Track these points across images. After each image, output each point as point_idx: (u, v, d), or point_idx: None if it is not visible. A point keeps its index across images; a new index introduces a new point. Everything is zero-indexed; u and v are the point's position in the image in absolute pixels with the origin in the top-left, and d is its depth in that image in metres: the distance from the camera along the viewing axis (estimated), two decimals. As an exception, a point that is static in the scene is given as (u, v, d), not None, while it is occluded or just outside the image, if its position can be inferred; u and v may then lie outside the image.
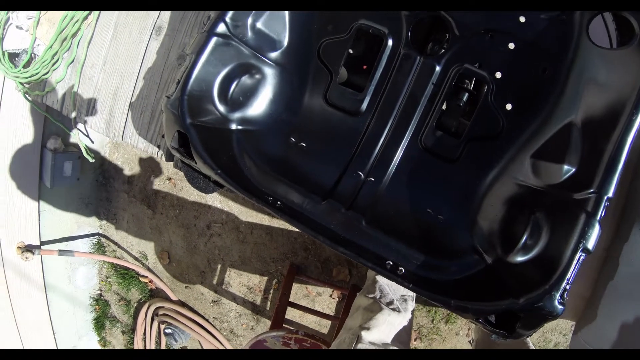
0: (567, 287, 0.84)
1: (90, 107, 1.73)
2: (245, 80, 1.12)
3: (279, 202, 1.00)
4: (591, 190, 0.88)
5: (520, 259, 0.92)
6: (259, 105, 1.14)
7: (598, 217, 0.87)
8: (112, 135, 1.70)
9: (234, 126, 1.10)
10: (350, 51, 1.15)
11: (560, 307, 0.84)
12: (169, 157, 1.60)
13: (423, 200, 1.08)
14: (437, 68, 1.08)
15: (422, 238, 1.03)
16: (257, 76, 1.12)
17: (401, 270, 0.95)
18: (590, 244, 0.85)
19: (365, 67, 1.22)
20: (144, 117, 1.61)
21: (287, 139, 1.14)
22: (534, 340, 2.30)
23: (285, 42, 1.13)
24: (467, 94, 1.12)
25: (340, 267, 2.45)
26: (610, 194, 0.88)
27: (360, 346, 1.41)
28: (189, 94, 1.03)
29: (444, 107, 1.10)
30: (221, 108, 1.09)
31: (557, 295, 0.84)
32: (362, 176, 1.09)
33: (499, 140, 1.07)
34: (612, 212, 1.24)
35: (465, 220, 1.05)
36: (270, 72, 1.13)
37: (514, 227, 0.97)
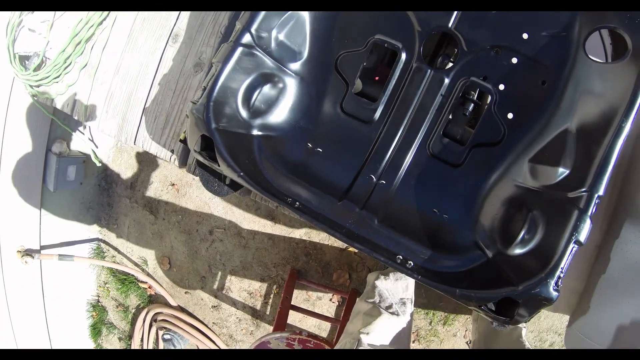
0: (562, 275, 0.94)
1: (102, 111, 1.78)
2: (267, 89, 1.19)
3: (297, 203, 1.07)
4: (583, 189, 0.98)
5: (518, 251, 1.01)
6: (279, 113, 1.22)
7: (589, 213, 0.96)
8: (124, 139, 1.75)
9: (255, 132, 1.18)
10: (364, 64, 1.23)
11: (555, 293, 0.93)
12: (183, 163, 1.67)
13: (430, 202, 1.17)
14: (446, 80, 1.17)
15: (429, 235, 1.12)
16: (279, 85, 1.20)
17: (410, 264, 1.04)
18: (582, 236, 0.95)
19: (377, 78, 1.30)
20: (158, 123, 1.67)
21: (305, 145, 1.21)
22: (530, 340, 2.38)
23: (305, 54, 1.21)
24: (472, 105, 1.20)
25: (340, 272, 2.52)
26: (600, 192, 0.97)
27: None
28: (215, 100, 1.10)
29: (450, 116, 1.19)
30: (244, 114, 1.16)
31: (552, 283, 0.93)
32: (375, 179, 1.17)
33: (500, 147, 1.16)
34: (604, 212, 1.33)
35: (469, 219, 1.14)
36: (290, 82, 1.21)
37: (512, 224, 1.06)
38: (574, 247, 0.94)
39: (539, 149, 1.11)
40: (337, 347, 1.57)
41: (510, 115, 1.16)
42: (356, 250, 2.48)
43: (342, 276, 2.52)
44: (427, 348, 2.55)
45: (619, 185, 1.33)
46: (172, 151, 1.65)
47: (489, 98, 1.17)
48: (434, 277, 1.02)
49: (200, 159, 1.16)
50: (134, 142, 1.73)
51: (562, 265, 0.93)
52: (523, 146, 1.14)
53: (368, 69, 1.28)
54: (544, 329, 2.40)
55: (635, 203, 1.26)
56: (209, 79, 1.13)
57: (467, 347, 2.53)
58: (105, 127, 1.79)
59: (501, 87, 1.16)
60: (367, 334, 1.54)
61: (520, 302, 0.95)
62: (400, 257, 1.04)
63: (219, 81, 1.10)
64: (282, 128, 1.21)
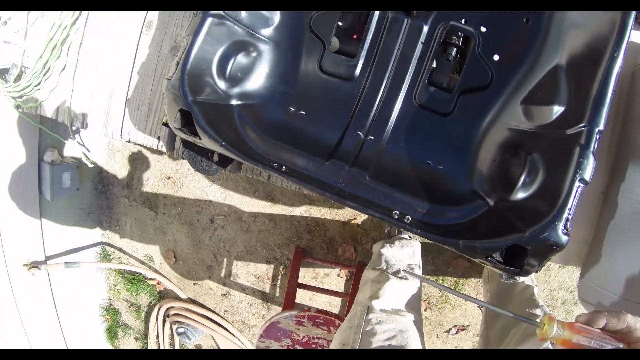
0: (569, 217, 0.88)
1: (86, 110, 1.75)
2: (242, 57, 1.15)
3: (284, 167, 1.04)
4: (582, 125, 0.93)
5: (521, 195, 0.96)
6: (257, 80, 1.18)
7: (591, 149, 0.91)
8: (110, 134, 1.72)
9: (234, 102, 1.14)
10: (340, 24, 1.18)
11: (565, 237, 0.88)
12: (170, 148, 1.64)
13: (422, 153, 1.13)
14: (425, 27, 1.13)
15: (425, 188, 1.08)
16: (253, 53, 1.16)
17: (408, 218, 0.99)
18: (587, 174, 0.90)
19: (355, 36, 1.26)
20: (141, 112, 1.64)
21: (287, 109, 1.17)
22: (542, 299, 2.35)
23: (277, 18, 1.16)
24: (455, 49, 1.16)
25: (345, 246, 2.49)
26: (600, 127, 0.93)
27: (371, 316, 1.44)
28: (189, 73, 1.06)
29: (434, 65, 1.15)
30: (221, 85, 1.13)
31: (561, 225, 0.88)
32: (362, 135, 1.13)
33: (489, 90, 1.12)
34: (606, 157, 1.29)
35: (465, 169, 1.10)
36: (264, 48, 1.17)
37: (512, 169, 1.02)
38: (579, 185, 0.89)
39: (531, 89, 1.07)
40: (347, 317, 1.55)
41: (496, 57, 1.12)
42: (359, 222, 2.45)
43: (348, 250, 2.49)
44: (439, 316, 2.53)
45: (618, 129, 1.29)
46: (159, 138, 1.62)
47: (472, 41, 1.13)
48: (435, 230, 0.98)
49: (182, 135, 1.13)
50: (120, 135, 1.70)
51: (568, 205, 0.88)
52: (513, 87, 1.10)
53: (345, 29, 1.24)
54: (555, 287, 2.37)
55: (638, 142, 1.22)
56: (181, 53, 1.10)
57: (479, 312, 2.50)
58: (90, 126, 1.75)
59: (483, 29, 1.12)
60: (378, 298, 1.52)
61: (529, 249, 0.90)
62: (397, 212, 1.00)
63: (191, 54, 1.06)
64: (262, 95, 1.18)
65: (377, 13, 1.14)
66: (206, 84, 1.10)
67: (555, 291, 2.37)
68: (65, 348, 3.00)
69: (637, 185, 1.18)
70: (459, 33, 1.15)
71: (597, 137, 0.93)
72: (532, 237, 0.89)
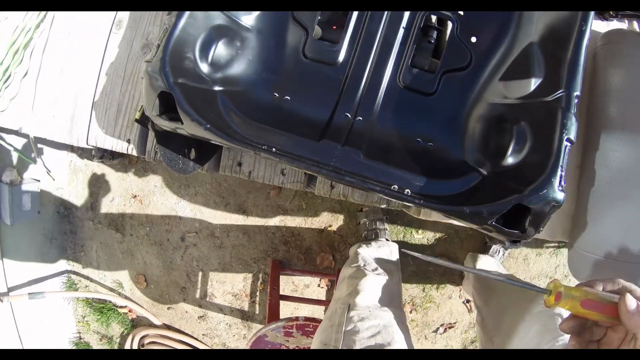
0: (562, 173, 0.94)
1: (49, 117, 1.66)
2: (224, 42, 1.14)
3: (274, 149, 1.01)
4: (561, 91, 1.01)
5: (512, 161, 1.01)
6: (239, 67, 1.16)
7: (572, 111, 0.98)
8: (75, 141, 1.63)
9: (217, 87, 1.11)
10: (319, 17, 1.20)
11: (561, 193, 0.93)
12: (141, 150, 1.57)
13: (411, 132, 1.15)
14: (406, 13, 1.17)
15: (419, 164, 1.09)
16: (236, 40, 1.15)
17: (408, 191, 1.00)
18: (572, 134, 0.96)
19: (334, 27, 1.27)
20: (110, 114, 1.57)
21: (271, 95, 1.16)
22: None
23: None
24: (436, 32, 1.21)
25: (323, 254, 2.45)
26: (577, 92, 1.01)
27: (353, 313, 1.40)
28: (171, 54, 1.03)
29: (415, 48, 1.18)
30: (204, 68, 1.10)
31: (557, 182, 0.93)
32: (350, 116, 1.13)
33: (470, 70, 1.17)
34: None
35: (454, 144, 1.13)
36: (247, 35, 1.16)
37: (500, 140, 1.06)
38: (566, 145, 0.95)
39: (508, 66, 1.13)
40: (327, 314, 1.49)
41: (473, 39, 1.18)
42: (335, 229, 2.42)
43: (326, 258, 2.45)
44: (425, 316, 2.51)
45: (585, 106, 1.37)
46: (129, 141, 1.55)
47: (450, 25, 1.17)
48: (437, 200, 1.00)
49: (162, 122, 1.08)
50: (86, 141, 1.62)
51: (560, 162, 0.93)
52: (493, 66, 1.16)
53: (325, 22, 1.25)
54: (534, 275, 2.41)
55: (606, 113, 1.30)
56: (162, 35, 1.07)
57: (464, 307, 2.51)
58: (54, 133, 1.66)
59: (460, 13, 1.17)
60: (356, 294, 1.48)
61: (532, 207, 0.93)
62: (396, 186, 1.01)
63: (173, 35, 1.04)
64: (245, 81, 1.16)
65: None
66: (188, 67, 1.07)
67: (535, 279, 2.42)
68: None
69: (612, 151, 1.25)
70: (438, 17, 1.19)
71: (576, 102, 1.00)
72: (532, 194, 0.93)
